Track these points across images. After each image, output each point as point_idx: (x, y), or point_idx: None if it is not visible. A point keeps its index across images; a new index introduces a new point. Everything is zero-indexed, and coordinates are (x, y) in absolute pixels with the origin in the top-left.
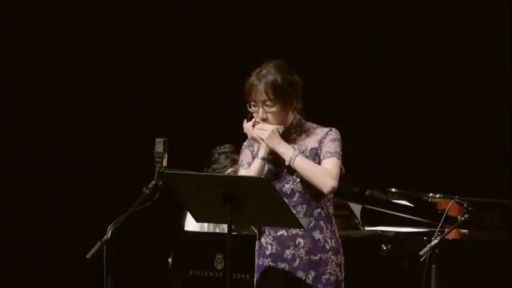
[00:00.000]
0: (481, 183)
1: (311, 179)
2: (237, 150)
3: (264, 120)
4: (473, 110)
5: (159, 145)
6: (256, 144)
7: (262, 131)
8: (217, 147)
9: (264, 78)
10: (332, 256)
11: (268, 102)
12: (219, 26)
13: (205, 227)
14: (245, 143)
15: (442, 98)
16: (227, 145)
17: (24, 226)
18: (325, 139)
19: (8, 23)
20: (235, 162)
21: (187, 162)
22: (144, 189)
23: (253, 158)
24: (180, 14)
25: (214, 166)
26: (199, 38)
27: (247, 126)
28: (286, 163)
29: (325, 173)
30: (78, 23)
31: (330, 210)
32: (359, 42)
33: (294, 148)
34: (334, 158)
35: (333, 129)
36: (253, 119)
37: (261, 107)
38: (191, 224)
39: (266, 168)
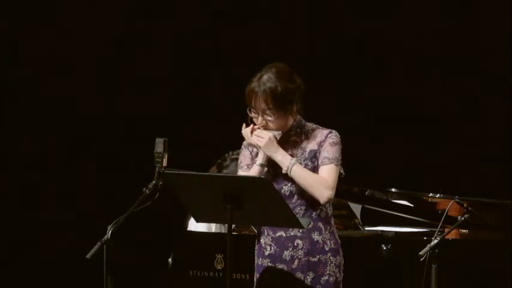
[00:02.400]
0: (481, 183)
1: (307, 188)
2: None
3: (264, 126)
4: (473, 110)
5: (159, 145)
6: None
7: (259, 138)
8: (230, 152)
9: (264, 86)
10: (331, 257)
11: (267, 111)
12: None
13: (213, 228)
14: (244, 143)
15: (442, 97)
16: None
17: (24, 226)
18: (325, 142)
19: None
20: None
21: (187, 162)
22: (144, 189)
23: (252, 158)
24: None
25: (225, 171)
26: (199, 38)
27: (245, 132)
28: (283, 171)
29: (322, 183)
30: (78, 22)
31: (328, 211)
32: (359, 41)
33: (291, 156)
34: (332, 164)
35: (333, 131)
36: (251, 125)
37: (260, 115)
38: (200, 225)
39: (265, 170)
